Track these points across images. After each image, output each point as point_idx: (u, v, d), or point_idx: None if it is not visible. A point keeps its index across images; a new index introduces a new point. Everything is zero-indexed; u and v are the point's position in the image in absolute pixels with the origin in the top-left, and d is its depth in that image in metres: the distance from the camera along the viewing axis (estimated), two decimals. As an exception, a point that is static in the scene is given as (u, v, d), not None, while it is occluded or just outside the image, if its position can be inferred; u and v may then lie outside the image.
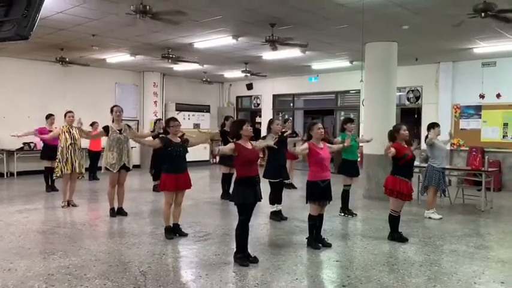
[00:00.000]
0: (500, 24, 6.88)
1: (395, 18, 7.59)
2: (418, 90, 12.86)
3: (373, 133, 8.76)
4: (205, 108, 16.87)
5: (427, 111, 12.52)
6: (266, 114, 16.67)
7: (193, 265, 4.94)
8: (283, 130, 7.50)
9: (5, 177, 12.26)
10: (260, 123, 16.84)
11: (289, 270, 4.75)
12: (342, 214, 7.56)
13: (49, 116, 9.83)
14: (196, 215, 7.53)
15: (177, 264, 5.10)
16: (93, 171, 11.90)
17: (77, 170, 7.94)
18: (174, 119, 6.12)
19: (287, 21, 7.86)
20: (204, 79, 15.18)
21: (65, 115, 8.04)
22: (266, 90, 16.72)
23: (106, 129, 7.15)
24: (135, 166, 12.41)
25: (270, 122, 7.23)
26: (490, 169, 8.49)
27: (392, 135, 5.96)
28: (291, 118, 13.53)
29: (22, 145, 12.22)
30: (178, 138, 6.02)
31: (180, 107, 15.91)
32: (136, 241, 5.81)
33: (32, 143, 12.16)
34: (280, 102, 16.90)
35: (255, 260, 4.92)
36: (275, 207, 7.22)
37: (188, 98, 16.56)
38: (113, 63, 13.07)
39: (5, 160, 12.25)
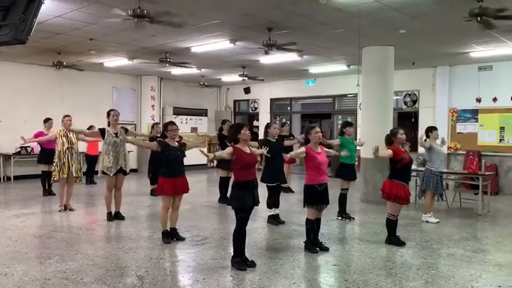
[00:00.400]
0: (496, 27, 6.92)
1: (392, 22, 7.62)
2: (415, 94, 12.90)
3: (370, 137, 8.76)
4: (203, 112, 16.88)
5: (424, 115, 12.55)
6: (264, 118, 16.68)
7: (190, 269, 4.93)
8: (281, 134, 7.52)
9: (2, 181, 12.22)
10: (258, 127, 16.86)
11: (287, 274, 4.75)
12: (340, 218, 7.57)
13: (47, 120, 9.82)
14: (194, 219, 7.52)
15: (174, 268, 5.09)
16: (90, 175, 11.88)
17: (74, 174, 7.92)
18: (172, 123, 6.12)
19: (284, 25, 7.88)
20: (201, 83, 15.19)
21: (63, 119, 8.04)
22: (263, 94, 16.74)
23: (102, 131, 7.15)
24: (132, 170, 12.42)
25: (267, 126, 7.25)
26: (487, 173, 8.52)
27: (390, 139, 5.98)
28: (288, 122, 13.56)
29: (19, 149, 12.19)
30: (176, 143, 6.03)
31: (178, 111, 15.91)
32: (133, 245, 5.80)
33: (29, 147, 12.13)
34: (278, 106, 16.93)
35: (252, 264, 4.91)
36: (272, 211, 7.22)
37: (186, 102, 16.57)
38: (111, 67, 13.07)
39: (1, 164, 12.22)
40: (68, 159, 7.82)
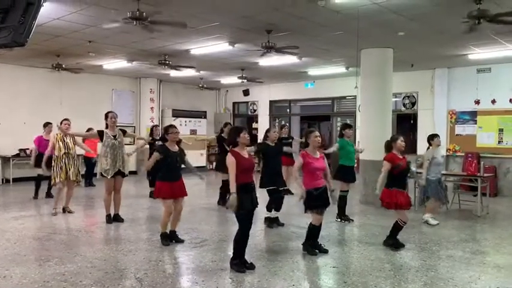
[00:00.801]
0: (495, 28, 6.94)
1: (391, 24, 7.64)
2: (413, 96, 12.92)
3: (369, 139, 8.78)
4: (202, 115, 16.87)
5: (422, 117, 12.57)
6: (263, 120, 16.70)
7: (189, 271, 4.93)
8: (280, 136, 7.53)
9: (1, 183, 12.20)
10: (257, 129, 16.87)
11: (286, 276, 4.75)
12: (339, 220, 7.57)
13: (47, 125, 9.72)
14: (193, 221, 7.52)
15: (173, 270, 5.09)
16: (89, 177, 11.86)
17: (71, 178, 7.90)
18: (173, 126, 6.12)
19: (283, 27, 7.89)
20: (200, 85, 15.20)
21: (61, 123, 8.00)
22: (263, 96, 16.75)
23: (100, 133, 7.15)
24: (131, 172, 12.43)
25: (267, 131, 7.30)
26: (485, 174, 8.53)
27: (389, 145, 6.00)
28: (287, 124, 13.57)
29: (18, 151, 12.18)
30: (176, 147, 6.03)
31: (177, 113, 15.91)
32: (132, 248, 5.79)
33: (28, 149, 12.10)
34: (277, 108, 16.93)
35: (251, 267, 4.91)
36: (270, 214, 7.19)
37: (185, 104, 16.57)
38: (110, 70, 13.07)
39: (0, 166, 12.21)
40: (65, 163, 7.80)
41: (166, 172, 5.87)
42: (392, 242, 5.94)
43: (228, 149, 4.97)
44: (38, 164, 9.61)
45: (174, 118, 15.32)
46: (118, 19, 6.85)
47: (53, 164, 7.85)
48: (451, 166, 11.93)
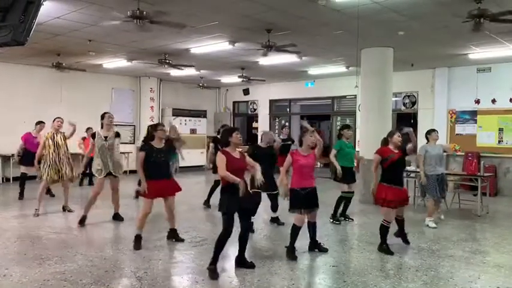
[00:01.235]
0: (496, 28, 6.93)
1: (391, 24, 7.63)
2: (414, 95, 12.92)
3: (369, 138, 8.75)
4: (202, 114, 16.89)
5: (423, 117, 12.57)
6: (263, 120, 16.69)
7: (189, 270, 4.93)
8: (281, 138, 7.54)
9: (1, 182, 12.21)
10: (257, 128, 16.87)
11: (286, 275, 4.75)
12: (331, 220, 7.49)
13: (39, 123, 9.67)
14: (193, 220, 7.52)
15: (173, 269, 5.08)
16: (90, 176, 11.84)
17: (64, 178, 7.84)
18: (161, 124, 6.08)
19: (283, 27, 7.89)
20: (200, 84, 15.19)
21: (53, 121, 7.92)
22: (263, 96, 16.75)
23: (93, 135, 7.14)
24: (131, 172, 12.41)
25: (263, 134, 7.35)
26: (485, 174, 8.53)
27: (386, 140, 5.95)
28: (287, 124, 13.55)
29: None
30: (163, 144, 5.93)
31: (177, 112, 15.93)
32: (132, 246, 5.78)
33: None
34: (277, 108, 16.93)
35: (251, 266, 4.91)
36: (273, 214, 7.25)
37: (185, 103, 16.58)
38: (110, 69, 13.07)
39: (0, 165, 12.20)
40: (55, 162, 7.69)
41: (151, 170, 5.73)
42: (384, 247, 5.66)
43: (220, 149, 4.93)
44: (22, 161, 9.52)
45: (174, 117, 15.31)
46: (119, 17, 6.83)
47: (42, 161, 7.75)
48: (451, 166, 11.92)
